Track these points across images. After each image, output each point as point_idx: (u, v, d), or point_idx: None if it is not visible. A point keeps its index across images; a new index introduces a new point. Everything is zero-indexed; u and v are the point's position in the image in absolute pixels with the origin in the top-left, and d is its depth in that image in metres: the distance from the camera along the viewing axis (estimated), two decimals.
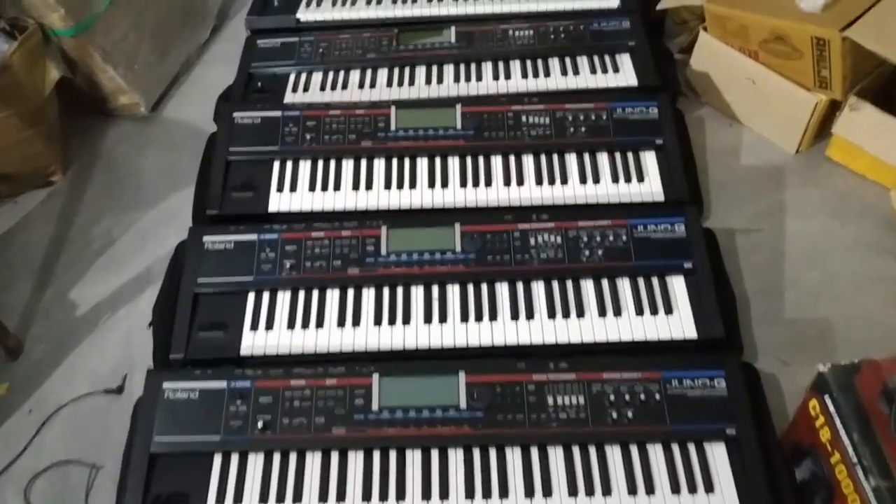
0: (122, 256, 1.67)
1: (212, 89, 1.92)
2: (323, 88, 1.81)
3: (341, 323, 1.39)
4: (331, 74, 1.83)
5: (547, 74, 1.78)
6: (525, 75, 1.79)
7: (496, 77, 1.79)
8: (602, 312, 1.38)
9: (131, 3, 1.85)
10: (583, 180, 1.58)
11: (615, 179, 1.57)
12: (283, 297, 1.42)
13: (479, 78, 1.79)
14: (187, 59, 2.06)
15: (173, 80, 2.03)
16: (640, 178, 1.58)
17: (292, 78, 1.83)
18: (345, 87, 1.81)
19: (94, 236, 1.71)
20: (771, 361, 1.43)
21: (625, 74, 1.76)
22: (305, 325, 1.39)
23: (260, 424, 1.23)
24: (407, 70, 1.83)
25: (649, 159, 1.60)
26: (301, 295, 1.42)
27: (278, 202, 1.58)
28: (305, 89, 1.81)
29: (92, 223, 1.73)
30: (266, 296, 1.43)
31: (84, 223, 1.73)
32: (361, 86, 1.80)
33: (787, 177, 1.72)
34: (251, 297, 1.43)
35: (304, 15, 1.97)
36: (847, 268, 1.54)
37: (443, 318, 1.39)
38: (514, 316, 1.38)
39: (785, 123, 1.74)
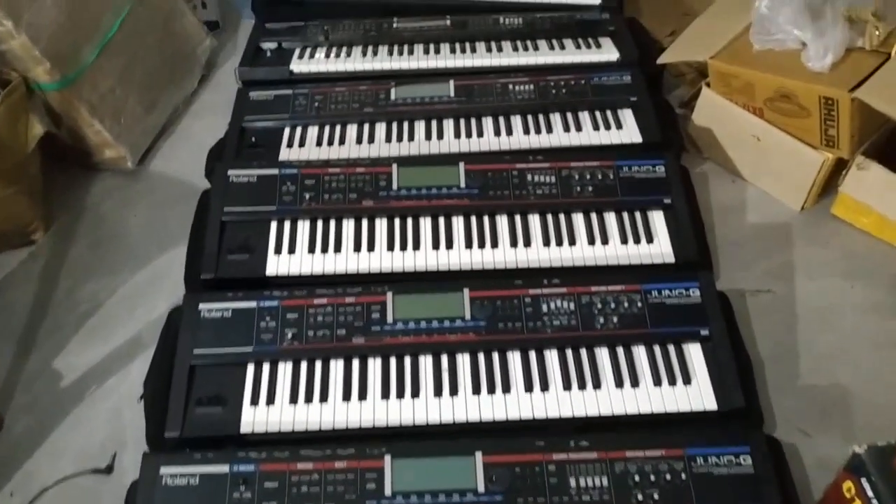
0: (109, 322, 1.59)
1: (200, 142, 1.86)
2: (319, 143, 1.75)
3: (346, 397, 1.32)
4: (327, 129, 1.78)
5: (549, 130, 1.74)
6: (527, 131, 1.75)
7: (497, 133, 1.75)
8: (619, 383, 1.33)
9: (119, 54, 1.79)
10: (591, 241, 1.53)
11: (624, 240, 1.54)
12: (285, 370, 1.35)
13: (480, 133, 1.75)
14: (175, 110, 2.00)
15: (160, 131, 1.96)
16: (650, 239, 1.54)
17: (287, 132, 1.78)
18: (342, 142, 1.75)
19: (80, 299, 1.62)
20: (790, 430, 1.39)
21: (628, 131, 1.74)
22: (309, 399, 1.32)
23: None
24: (406, 124, 1.78)
25: (657, 219, 1.57)
26: (304, 367, 1.36)
27: (276, 265, 1.52)
28: (301, 144, 1.75)
29: (77, 285, 1.65)
30: (266, 368, 1.35)
31: (68, 285, 1.65)
32: (359, 141, 1.75)
33: (793, 235, 1.69)
34: (251, 369, 1.35)
35: (298, 66, 1.92)
36: (861, 331, 1.51)
37: (454, 391, 1.33)
38: (528, 388, 1.33)
39: (790, 181, 1.72)
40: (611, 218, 1.57)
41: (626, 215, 1.57)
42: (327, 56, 1.95)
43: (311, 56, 1.95)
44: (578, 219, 1.57)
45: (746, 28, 1.74)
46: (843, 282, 1.60)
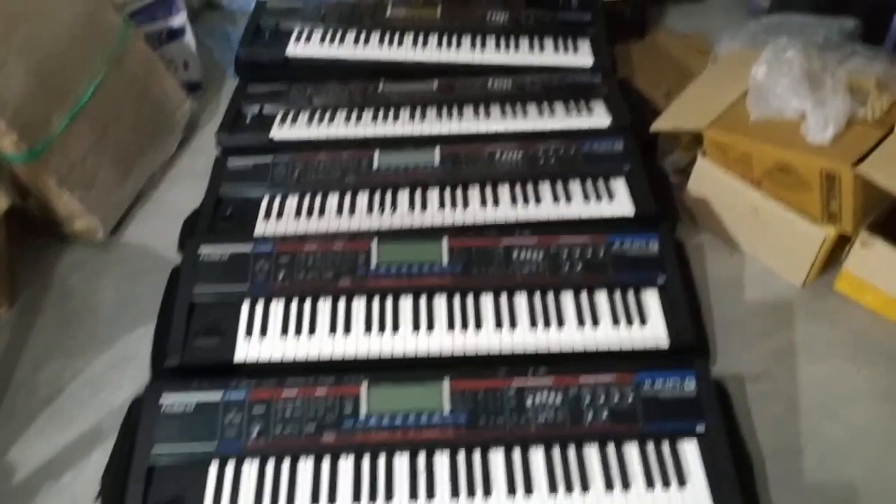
0: (70, 408, 1.50)
1: (177, 210, 1.78)
2: (298, 215, 1.67)
3: (315, 499, 1.23)
4: (307, 199, 1.70)
5: (537, 201, 1.66)
6: (514, 202, 1.67)
7: (483, 203, 1.67)
8: (609, 485, 1.23)
9: (92, 122, 1.72)
10: (580, 322, 1.45)
11: (615, 322, 1.45)
12: (250, 469, 1.26)
13: (465, 204, 1.67)
14: (151, 176, 1.92)
15: (135, 199, 1.88)
16: (643, 321, 1.45)
17: (265, 203, 1.70)
18: (322, 213, 1.67)
19: (41, 382, 1.54)
20: None
21: (620, 202, 1.66)
22: (275, 502, 1.23)
23: None
24: (389, 194, 1.70)
25: (651, 299, 1.48)
26: (270, 465, 1.26)
27: (246, 350, 1.43)
28: (279, 216, 1.67)
29: (39, 366, 1.56)
30: (230, 467, 1.26)
31: (30, 366, 1.56)
32: (340, 212, 1.67)
33: (795, 313, 1.61)
34: (213, 469, 1.26)
35: (279, 132, 1.85)
36: (869, 420, 1.42)
37: (430, 494, 1.23)
38: (511, 490, 1.23)
39: (791, 256, 1.64)
40: (601, 297, 1.49)
41: (617, 295, 1.49)
42: (310, 121, 1.88)
43: (294, 121, 1.88)
44: (567, 298, 1.48)
45: (743, 95, 1.67)
46: (849, 365, 1.51)
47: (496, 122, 1.86)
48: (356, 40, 2.08)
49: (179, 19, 2.06)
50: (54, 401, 1.51)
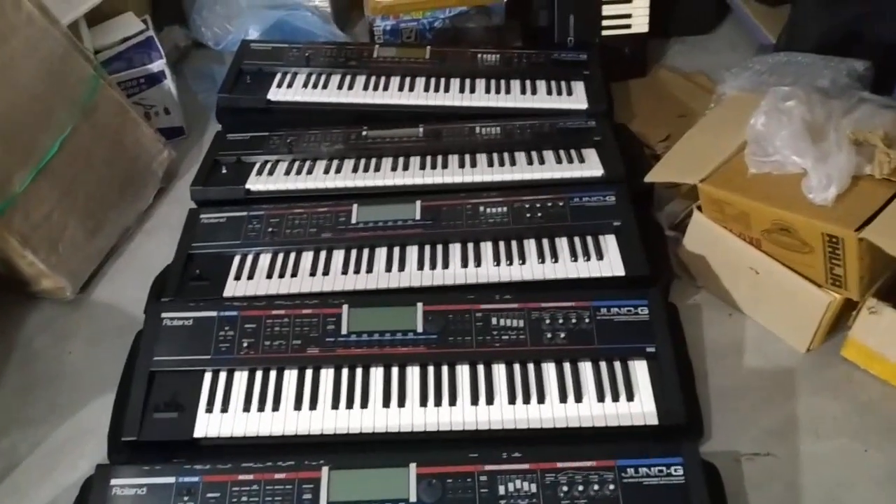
0: (24, 484, 1.41)
1: (150, 264, 1.72)
2: (270, 276, 1.59)
3: None
4: (280, 258, 1.62)
5: (522, 261, 1.57)
6: (497, 261, 1.58)
7: (465, 263, 1.58)
8: None
9: (58, 177, 1.65)
10: (563, 398, 1.35)
11: (601, 398, 1.35)
12: None
13: (445, 264, 1.58)
14: (125, 230, 1.85)
15: (108, 253, 1.81)
16: (630, 397, 1.35)
17: (237, 262, 1.62)
18: (294, 273, 1.59)
19: None
20: None
21: (610, 262, 1.56)
22: None
23: None
24: (366, 253, 1.62)
25: (640, 371, 1.38)
26: None
27: (206, 426, 1.35)
28: (250, 276, 1.59)
29: None
30: None
31: None
32: (314, 272, 1.59)
33: (798, 383, 1.49)
34: None
35: (255, 184, 1.78)
36: None
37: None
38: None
39: (794, 320, 1.53)
40: (586, 369, 1.39)
41: (603, 366, 1.39)
42: (287, 172, 1.80)
43: (271, 172, 1.80)
44: (549, 370, 1.39)
45: (742, 145, 1.57)
46: (856, 444, 1.39)
47: (482, 172, 1.77)
48: (340, 84, 2.01)
49: (158, 64, 2.00)
50: (8, 476, 1.43)
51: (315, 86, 2.01)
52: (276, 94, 1.99)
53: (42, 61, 1.64)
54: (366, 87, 2.00)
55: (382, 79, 2.02)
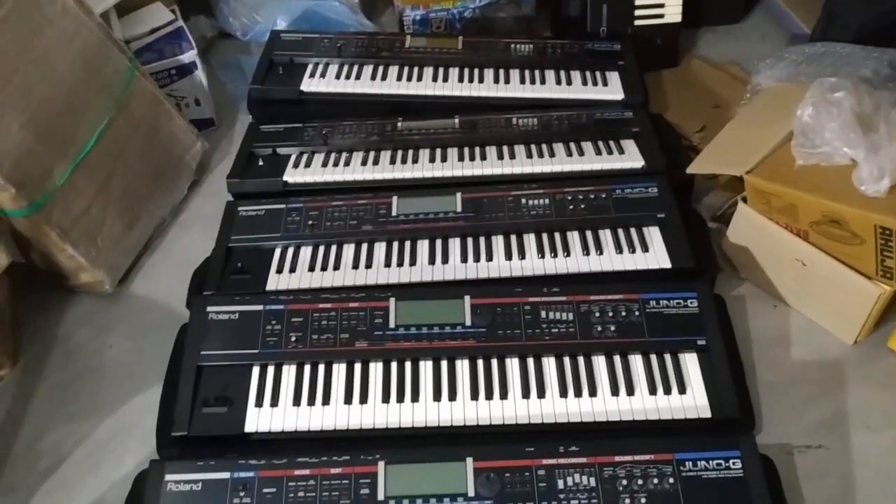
0: (71, 480, 1.41)
1: (187, 257, 1.70)
2: (312, 269, 1.58)
3: None
4: (321, 250, 1.61)
5: (566, 253, 1.56)
6: (541, 254, 1.56)
7: (508, 256, 1.57)
8: None
9: (95, 171, 1.64)
10: (614, 391, 1.34)
11: (653, 390, 1.34)
12: None
13: (489, 257, 1.57)
14: (161, 223, 1.84)
15: (144, 247, 1.80)
16: (682, 390, 1.34)
17: (277, 254, 1.61)
18: (336, 266, 1.58)
19: (42, 451, 1.45)
20: None
21: (655, 254, 1.55)
22: None
23: None
24: (408, 245, 1.60)
25: (691, 364, 1.37)
26: None
27: (256, 420, 1.34)
28: (292, 269, 1.58)
29: (40, 434, 1.48)
30: None
31: (31, 433, 1.48)
32: (356, 265, 1.58)
33: (847, 374, 1.49)
34: None
35: (293, 176, 1.76)
36: None
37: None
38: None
39: (841, 312, 1.52)
40: (637, 362, 1.38)
41: (654, 359, 1.38)
42: (324, 164, 1.79)
43: (308, 165, 1.79)
44: (600, 363, 1.38)
45: (788, 137, 1.55)
46: None
47: (521, 164, 1.76)
48: (373, 75, 1.99)
49: (189, 55, 1.98)
50: (54, 473, 1.42)
51: (348, 76, 1.99)
52: (308, 84, 1.97)
53: (78, 53, 1.62)
54: (399, 78, 1.99)
55: (415, 69, 2.00)
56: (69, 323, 1.67)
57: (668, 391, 1.34)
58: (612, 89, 1.95)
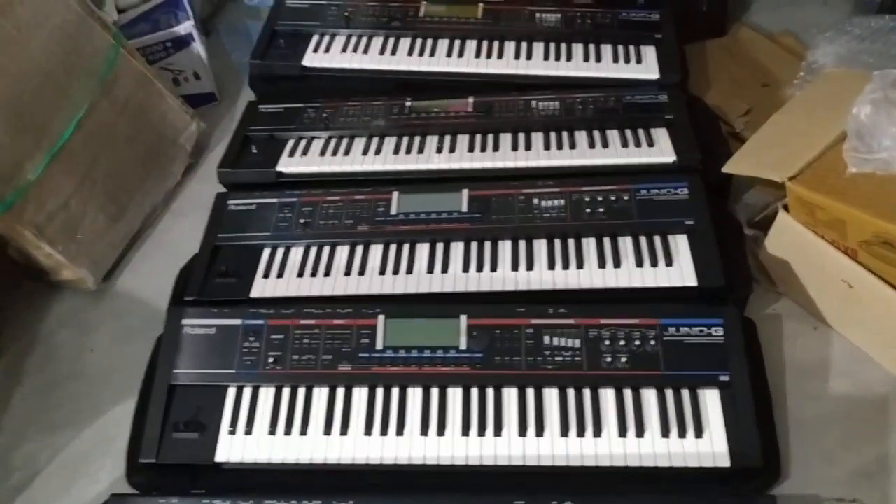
0: (43, 497, 1.34)
1: (178, 250, 1.59)
2: (301, 274, 1.45)
3: None
4: (312, 252, 1.48)
5: (580, 265, 1.40)
6: (552, 265, 1.40)
7: (515, 266, 1.41)
8: None
9: (75, 161, 1.52)
10: (622, 433, 1.20)
11: (665, 433, 1.19)
12: None
13: (493, 267, 1.42)
14: (152, 211, 1.73)
15: (134, 236, 1.70)
16: (698, 432, 1.19)
17: (266, 256, 1.49)
18: (327, 272, 1.45)
19: (15, 464, 1.38)
20: None
21: (680, 269, 1.37)
22: None
23: None
24: (406, 250, 1.46)
25: (711, 403, 1.22)
26: None
27: (228, 449, 1.24)
28: (280, 275, 1.45)
29: (14, 445, 1.41)
30: None
31: (5, 443, 1.41)
32: (348, 271, 1.44)
33: (891, 414, 1.31)
34: None
35: (287, 166, 1.63)
36: None
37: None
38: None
39: (890, 342, 1.34)
40: (650, 398, 1.23)
41: (669, 395, 1.23)
42: (323, 152, 1.64)
43: (305, 152, 1.65)
44: (607, 397, 1.24)
45: (841, 136, 1.35)
46: None
47: (537, 156, 1.58)
48: (382, 49, 1.82)
49: (186, 26, 1.83)
50: (27, 488, 1.35)
51: (355, 50, 1.83)
52: (311, 59, 1.82)
53: (53, 31, 1.49)
54: (410, 52, 1.81)
55: (429, 42, 1.83)
56: (52, 321, 1.59)
57: (682, 434, 1.19)
58: (646, 67, 1.75)
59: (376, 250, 1.47)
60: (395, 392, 1.27)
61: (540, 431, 1.21)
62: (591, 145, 1.59)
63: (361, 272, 1.44)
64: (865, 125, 1.30)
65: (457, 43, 1.82)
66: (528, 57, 1.79)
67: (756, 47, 1.95)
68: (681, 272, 1.37)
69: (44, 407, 1.47)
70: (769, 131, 1.49)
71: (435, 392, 1.27)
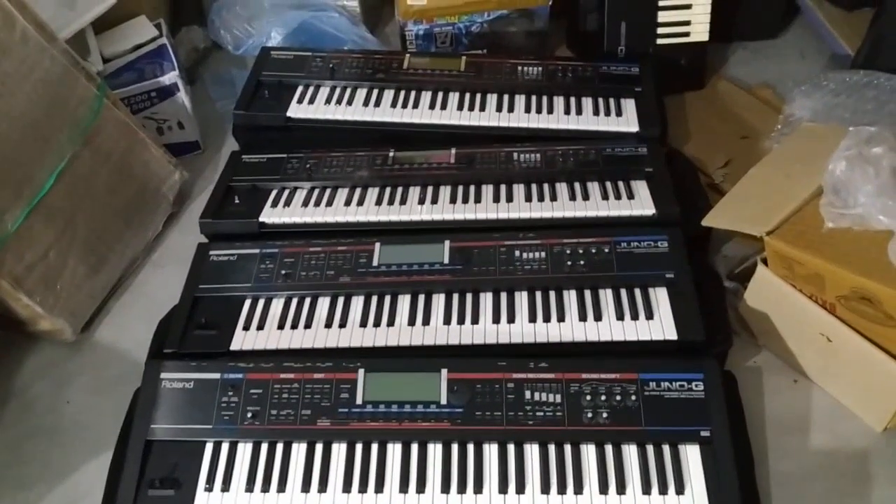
0: None
1: (158, 301, 1.58)
2: (282, 326, 1.44)
3: None
4: (293, 304, 1.47)
5: (560, 318, 1.40)
6: (533, 318, 1.41)
7: (496, 319, 1.41)
8: None
9: (54, 211, 1.51)
10: (603, 490, 1.19)
11: (646, 489, 1.18)
12: None
13: (474, 320, 1.42)
14: (132, 262, 1.72)
15: (114, 287, 1.69)
16: (679, 489, 1.18)
17: (246, 307, 1.48)
18: (308, 325, 1.44)
19: None
20: None
21: (660, 323, 1.38)
22: None
23: None
24: (387, 301, 1.46)
25: (692, 458, 1.21)
26: None
27: None
28: (260, 327, 1.45)
29: None
30: None
31: None
32: (329, 324, 1.44)
33: (873, 468, 1.31)
34: None
35: (270, 217, 1.63)
36: None
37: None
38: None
39: (870, 395, 1.35)
40: (631, 454, 1.22)
41: (650, 450, 1.22)
42: (305, 203, 1.65)
43: (287, 203, 1.65)
44: (588, 453, 1.23)
45: (817, 192, 1.37)
46: None
47: (518, 208, 1.60)
48: (366, 100, 1.84)
49: (171, 77, 1.84)
50: None
51: (339, 101, 1.84)
52: (296, 110, 1.83)
53: (38, 84, 1.49)
54: (394, 104, 1.83)
55: (413, 94, 1.85)
56: (28, 372, 1.57)
57: (664, 490, 1.19)
58: (626, 120, 1.78)
59: (357, 302, 1.47)
60: (375, 448, 1.26)
61: (521, 488, 1.20)
62: (572, 197, 1.60)
63: (342, 324, 1.44)
64: (841, 181, 1.32)
65: (440, 95, 1.84)
66: (510, 109, 1.81)
67: (734, 99, 1.98)
68: (661, 326, 1.38)
69: (15, 461, 1.44)
70: (747, 185, 1.51)
71: (415, 448, 1.25)
